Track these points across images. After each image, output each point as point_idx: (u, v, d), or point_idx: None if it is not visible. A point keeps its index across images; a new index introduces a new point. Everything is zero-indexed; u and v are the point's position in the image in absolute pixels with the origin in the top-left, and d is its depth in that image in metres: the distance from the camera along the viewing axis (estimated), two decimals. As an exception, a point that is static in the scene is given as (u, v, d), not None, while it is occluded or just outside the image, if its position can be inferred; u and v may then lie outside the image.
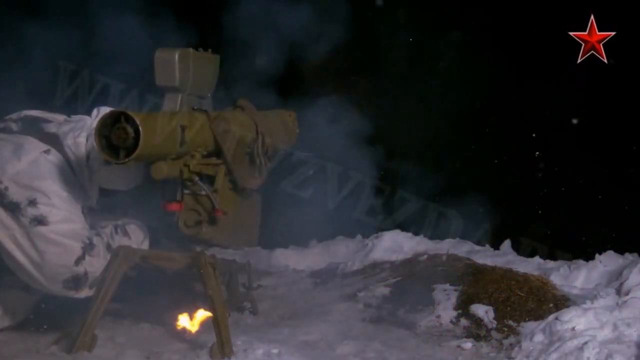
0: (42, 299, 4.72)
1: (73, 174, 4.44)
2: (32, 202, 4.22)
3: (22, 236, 4.21)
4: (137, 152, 4.01)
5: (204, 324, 4.81)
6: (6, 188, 4.25)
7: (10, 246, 4.24)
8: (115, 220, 4.63)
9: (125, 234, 4.59)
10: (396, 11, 6.98)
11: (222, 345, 4.34)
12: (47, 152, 4.40)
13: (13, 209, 4.22)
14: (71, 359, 4.29)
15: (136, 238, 4.63)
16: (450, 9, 6.95)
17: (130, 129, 4.01)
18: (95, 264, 4.34)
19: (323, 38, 6.34)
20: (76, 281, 4.30)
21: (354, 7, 6.49)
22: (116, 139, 4.03)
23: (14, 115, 4.57)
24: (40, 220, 4.21)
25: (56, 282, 4.29)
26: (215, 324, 4.38)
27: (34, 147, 4.38)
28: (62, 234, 4.24)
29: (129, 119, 4.02)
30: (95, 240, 4.38)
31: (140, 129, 3.99)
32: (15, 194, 4.23)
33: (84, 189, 4.47)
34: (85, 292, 4.41)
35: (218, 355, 4.33)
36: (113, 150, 4.06)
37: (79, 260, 4.27)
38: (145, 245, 4.67)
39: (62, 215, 4.26)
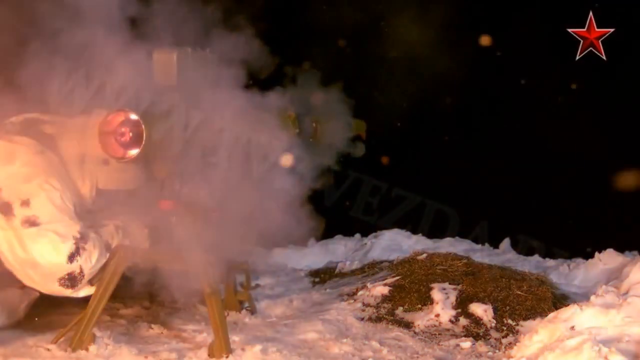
0: (40, 298, 4.72)
1: (67, 174, 4.44)
2: (25, 203, 4.23)
3: (15, 237, 4.21)
4: (139, 151, 4.03)
5: (202, 323, 4.81)
6: (0, 189, 4.26)
7: (4, 247, 4.24)
8: (115, 220, 4.62)
9: (126, 233, 4.58)
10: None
11: (220, 343, 4.34)
12: (41, 152, 4.40)
13: (6, 210, 4.22)
14: (69, 357, 4.28)
15: (136, 238, 4.63)
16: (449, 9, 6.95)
17: (133, 128, 4.03)
18: (90, 261, 4.33)
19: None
20: (72, 279, 4.29)
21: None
22: (118, 139, 4.05)
23: (14, 119, 4.57)
24: (32, 221, 4.21)
25: (52, 281, 4.29)
26: (213, 323, 4.38)
27: (27, 148, 4.39)
28: (53, 233, 4.24)
29: (132, 119, 4.04)
30: (90, 238, 4.37)
31: (143, 128, 4.01)
32: (9, 195, 4.24)
33: (78, 189, 4.47)
34: (84, 291, 4.40)
35: (216, 354, 4.32)
36: (115, 148, 4.09)
37: (72, 257, 4.26)
38: (145, 245, 4.66)
39: (54, 215, 4.26)
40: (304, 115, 5.58)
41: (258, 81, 4.94)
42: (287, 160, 5.00)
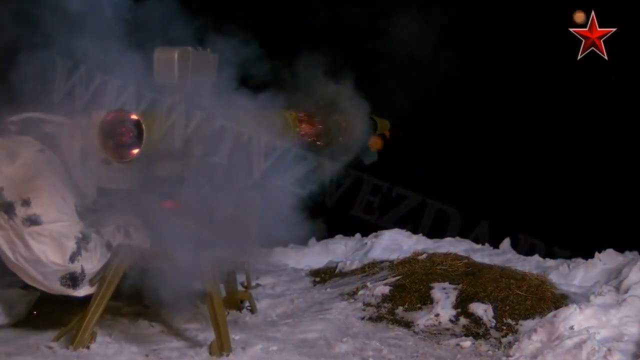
0: (42, 297, 4.74)
1: (68, 173, 4.45)
2: (26, 202, 4.25)
3: (17, 236, 4.23)
4: (139, 150, 4.03)
5: (203, 322, 4.83)
6: (1, 189, 4.28)
7: (5, 247, 4.26)
8: (117, 219, 4.64)
9: (127, 233, 4.60)
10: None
11: (221, 342, 4.36)
12: (42, 151, 4.42)
13: (7, 209, 4.24)
14: (71, 356, 4.31)
15: (137, 237, 4.65)
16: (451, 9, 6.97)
17: (133, 128, 4.03)
18: (91, 261, 4.35)
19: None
20: (73, 279, 4.31)
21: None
22: (119, 138, 4.06)
23: (14, 118, 4.59)
24: (34, 220, 4.23)
25: (53, 280, 4.31)
26: (213, 322, 4.40)
27: (28, 147, 4.41)
28: (56, 232, 4.26)
29: (132, 118, 4.04)
30: (91, 237, 4.39)
31: (143, 127, 4.01)
32: (10, 194, 4.25)
33: (79, 188, 4.49)
34: (84, 291, 4.42)
35: (217, 352, 4.34)
36: (115, 149, 4.09)
37: (74, 257, 4.28)
38: (146, 245, 4.68)
39: (55, 214, 4.28)
40: (332, 112, 5.62)
41: (261, 81, 4.96)
42: (375, 143, 5.03)
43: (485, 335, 4.94)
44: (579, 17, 6.27)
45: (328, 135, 5.60)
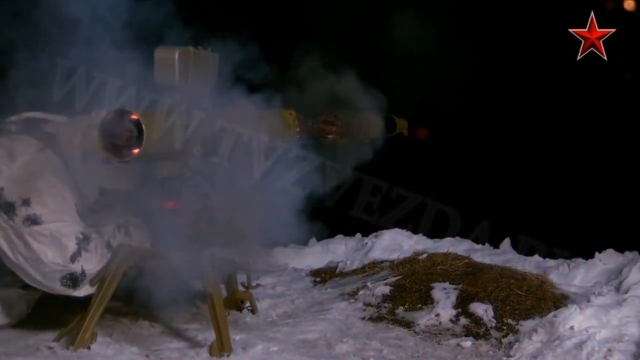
0: (42, 297, 4.74)
1: (68, 173, 4.45)
2: (26, 202, 4.25)
3: (17, 236, 4.23)
4: (139, 150, 4.03)
5: (204, 322, 4.83)
6: (2, 189, 4.28)
7: (5, 246, 4.26)
8: (117, 219, 4.64)
9: (127, 233, 4.60)
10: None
11: (221, 342, 4.36)
12: (41, 151, 4.42)
13: (7, 209, 4.24)
14: (71, 356, 4.30)
15: (138, 237, 4.65)
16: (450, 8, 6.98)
17: (133, 128, 4.03)
18: (91, 262, 4.35)
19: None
20: (73, 279, 4.31)
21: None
22: (119, 138, 4.05)
23: (14, 118, 4.59)
24: (34, 220, 4.23)
25: (53, 280, 4.31)
26: (214, 322, 4.39)
27: (28, 147, 4.41)
28: (56, 232, 4.25)
29: (132, 118, 4.04)
30: (91, 237, 4.39)
31: (144, 127, 4.00)
32: (10, 194, 4.25)
33: (80, 188, 4.49)
34: (84, 291, 4.42)
35: (217, 353, 4.34)
36: (116, 148, 4.09)
37: (74, 257, 4.28)
38: (146, 245, 4.68)
39: (56, 214, 4.28)
40: (352, 111, 5.64)
41: (261, 81, 4.96)
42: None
43: (485, 336, 4.94)
44: (629, 4, 6.24)
45: (350, 134, 5.62)
